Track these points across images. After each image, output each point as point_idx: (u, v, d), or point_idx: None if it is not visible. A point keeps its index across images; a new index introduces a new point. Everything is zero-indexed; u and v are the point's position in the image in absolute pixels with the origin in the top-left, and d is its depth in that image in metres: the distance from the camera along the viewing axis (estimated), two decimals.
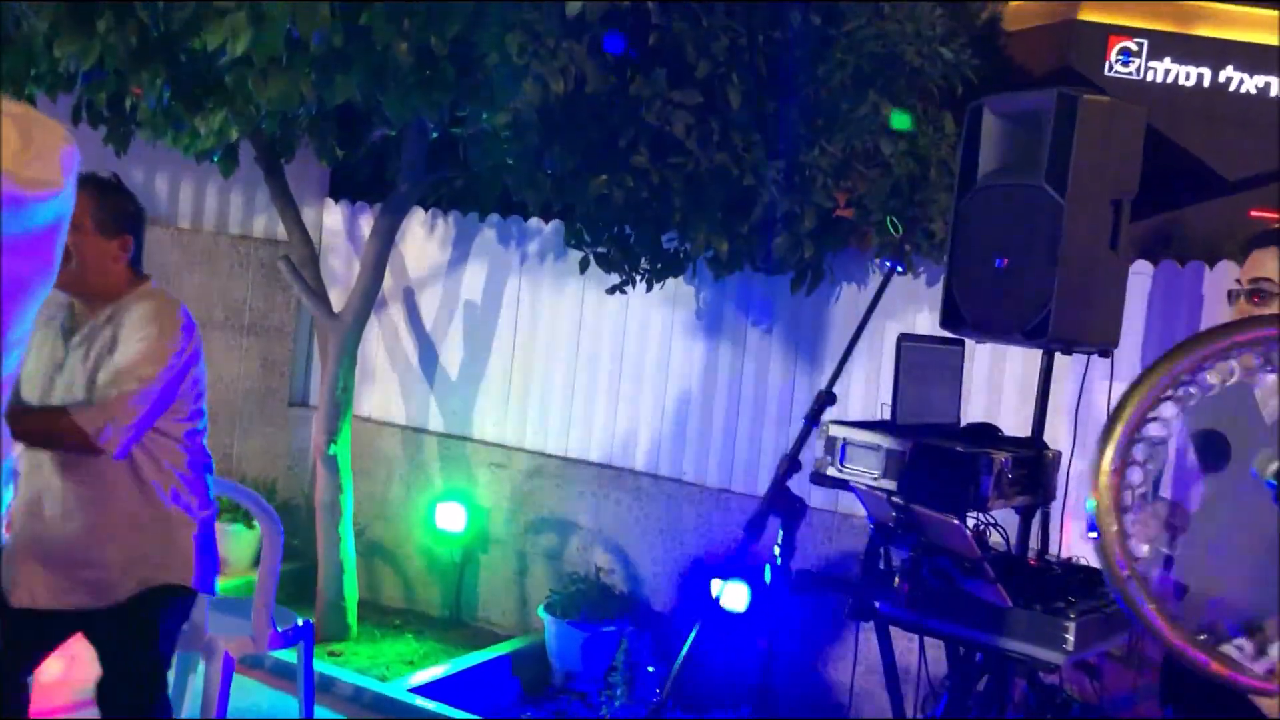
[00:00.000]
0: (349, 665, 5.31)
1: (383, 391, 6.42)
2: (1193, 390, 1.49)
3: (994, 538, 3.26)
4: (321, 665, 4.86)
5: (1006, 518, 3.37)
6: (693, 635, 2.28)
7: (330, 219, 6.59)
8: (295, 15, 3.52)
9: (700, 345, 5.47)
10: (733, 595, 4.95)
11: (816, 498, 4.97)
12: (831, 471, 3.29)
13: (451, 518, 5.93)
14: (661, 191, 4.35)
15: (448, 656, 5.55)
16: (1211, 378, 1.49)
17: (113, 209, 2.75)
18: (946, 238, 4.32)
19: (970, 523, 3.23)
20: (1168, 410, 1.48)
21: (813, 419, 2.21)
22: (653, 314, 5.55)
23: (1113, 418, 1.49)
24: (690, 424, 5.51)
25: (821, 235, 4.64)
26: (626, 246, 4.73)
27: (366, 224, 6.29)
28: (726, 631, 4.70)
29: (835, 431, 3.30)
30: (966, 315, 3.70)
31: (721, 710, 5.01)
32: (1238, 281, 2.39)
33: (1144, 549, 1.43)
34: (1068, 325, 3.48)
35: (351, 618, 5.61)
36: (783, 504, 2.10)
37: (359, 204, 6.49)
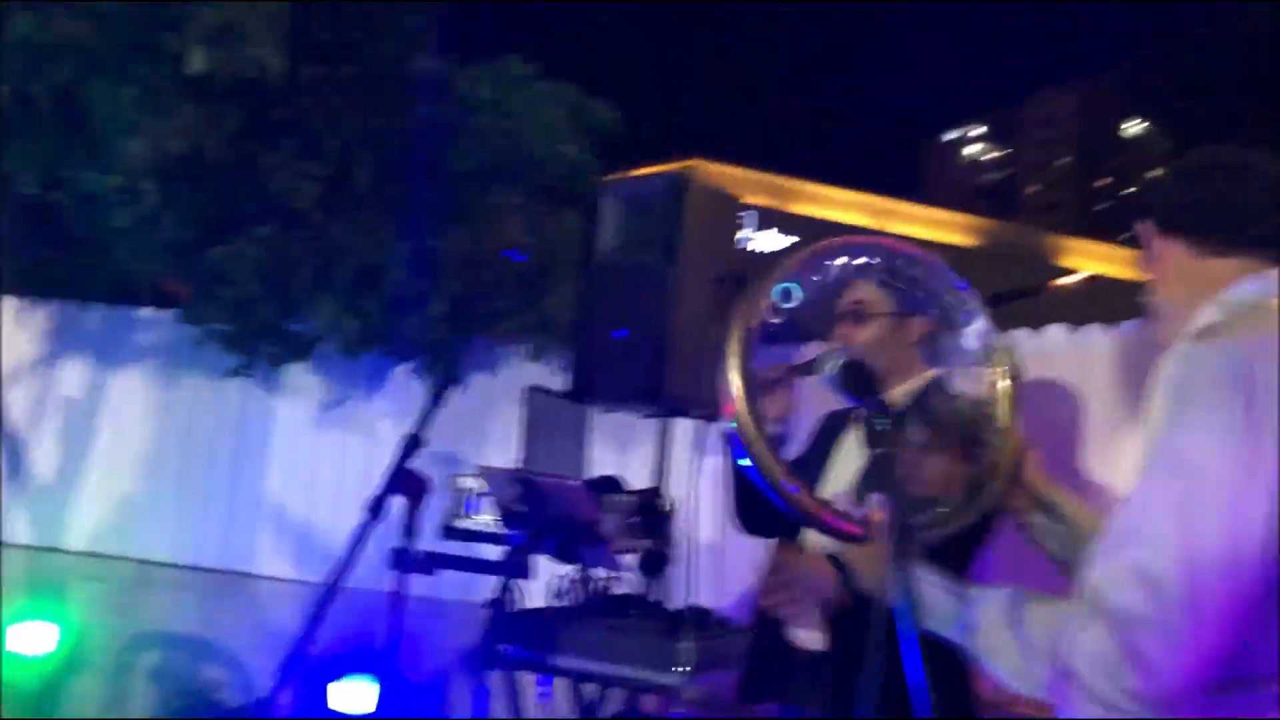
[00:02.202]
0: None
1: None
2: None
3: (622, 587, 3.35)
4: None
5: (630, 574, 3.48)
6: None
7: None
8: None
9: (327, 437, 5.30)
10: (355, 695, 4.69)
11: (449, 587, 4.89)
12: (459, 523, 3.27)
13: (30, 639, 5.26)
14: (288, 264, 4.26)
15: None
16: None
17: None
18: (570, 321, 4.53)
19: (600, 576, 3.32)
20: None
21: (435, 399, 2.21)
22: (278, 404, 5.33)
23: (730, 338, 1.66)
24: (320, 520, 5.28)
25: (452, 320, 4.71)
26: (250, 323, 4.55)
27: None
28: None
29: (466, 483, 3.29)
30: (592, 385, 3.85)
31: None
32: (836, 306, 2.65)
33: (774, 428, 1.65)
34: (679, 391, 3.71)
35: None
36: (405, 483, 2.07)
37: None
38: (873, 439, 1.47)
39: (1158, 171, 1.60)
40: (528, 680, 3.21)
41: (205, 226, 4.16)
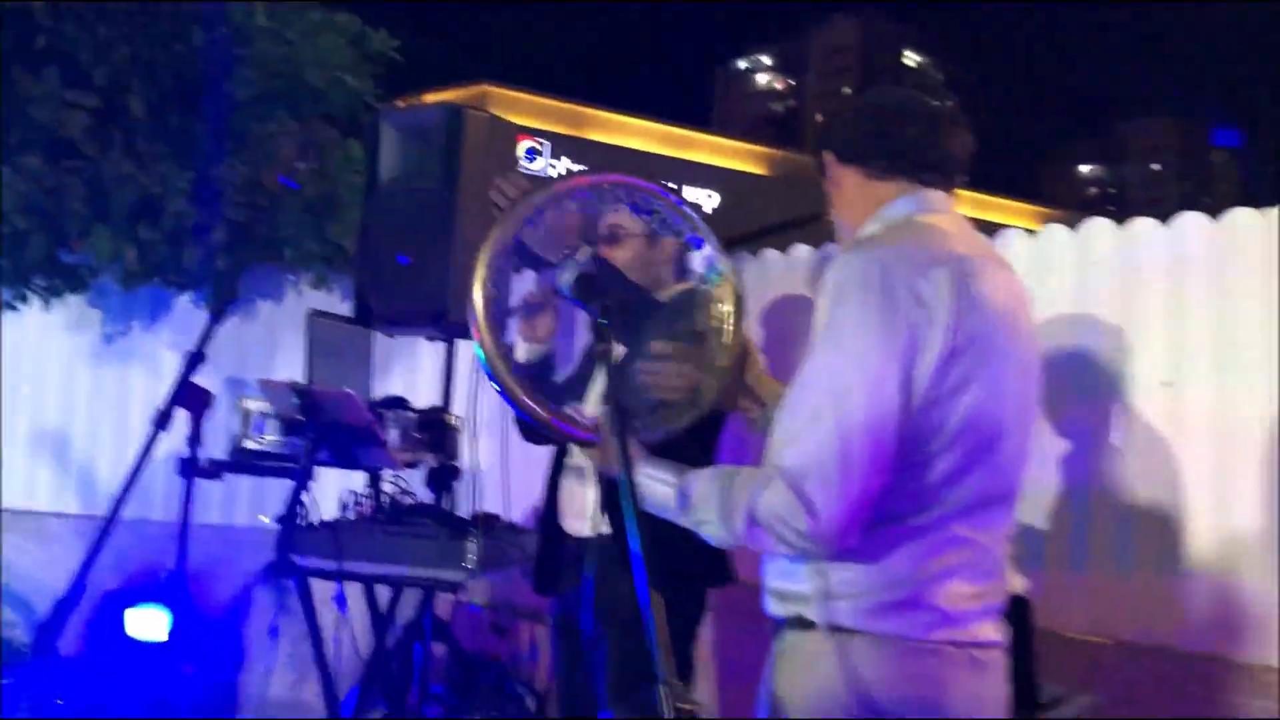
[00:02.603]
0: None
1: None
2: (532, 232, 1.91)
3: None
4: None
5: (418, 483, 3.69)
6: None
7: None
8: None
9: (109, 371, 5.25)
10: (149, 623, 4.75)
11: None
12: (249, 444, 3.39)
13: None
14: (59, 196, 4.20)
15: None
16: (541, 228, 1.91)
17: None
18: (353, 249, 4.63)
19: (385, 487, 3.52)
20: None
21: (215, 316, 2.35)
22: (51, 339, 5.23)
23: (477, 263, 1.86)
24: (102, 455, 5.24)
25: (235, 249, 4.73)
26: (19, 255, 4.46)
27: None
28: (152, 663, 4.50)
29: (250, 405, 3.41)
30: (376, 310, 3.98)
31: None
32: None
33: (522, 349, 1.87)
34: (461, 314, 3.89)
35: None
36: (189, 396, 2.21)
37: None
38: (597, 343, 1.72)
39: (838, 103, 1.89)
40: (323, 588, 3.40)
41: None
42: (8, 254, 4.45)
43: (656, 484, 1.69)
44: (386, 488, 3.59)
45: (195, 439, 2.14)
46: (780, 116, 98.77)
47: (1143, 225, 3.45)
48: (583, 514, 2.72)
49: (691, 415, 1.86)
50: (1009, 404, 1.65)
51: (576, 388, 2.82)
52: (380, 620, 3.56)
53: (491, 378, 1.78)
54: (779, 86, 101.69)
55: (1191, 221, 3.33)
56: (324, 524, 3.34)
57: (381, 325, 4.07)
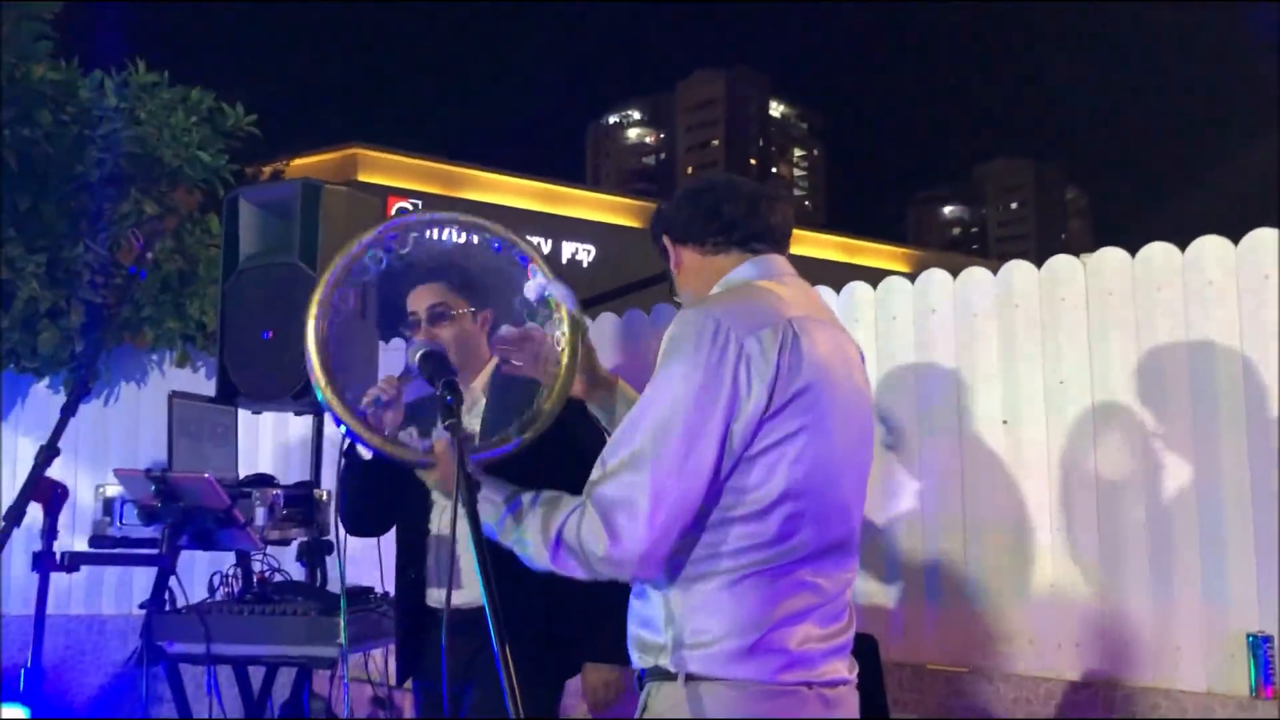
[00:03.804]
0: None
1: None
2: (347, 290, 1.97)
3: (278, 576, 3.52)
4: None
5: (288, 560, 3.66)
6: None
7: None
8: None
9: None
10: None
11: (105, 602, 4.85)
12: (111, 531, 3.33)
13: None
14: None
15: None
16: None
17: None
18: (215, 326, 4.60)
19: (256, 565, 3.49)
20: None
21: (69, 408, 2.34)
22: None
23: (308, 313, 1.91)
24: None
25: (92, 331, 4.64)
26: None
27: None
28: None
29: (111, 492, 3.36)
30: (240, 386, 3.96)
31: None
32: (413, 313, 2.92)
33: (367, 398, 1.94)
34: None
35: None
36: (42, 491, 2.20)
37: None
38: (446, 412, 1.79)
39: (665, 202, 2.02)
40: (192, 673, 3.34)
41: None
42: None
43: (486, 504, 1.76)
44: (256, 566, 3.56)
45: (51, 533, 2.12)
46: (652, 169, 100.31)
47: (976, 273, 3.66)
48: (456, 584, 2.71)
49: (527, 435, 1.92)
50: (838, 454, 1.76)
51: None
52: (252, 704, 3.51)
53: (326, 406, 1.83)
54: (649, 140, 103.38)
55: (1017, 269, 3.56)
56: (191, 607, 3.29)
57: (246, 402, 4.04)
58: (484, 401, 2.72)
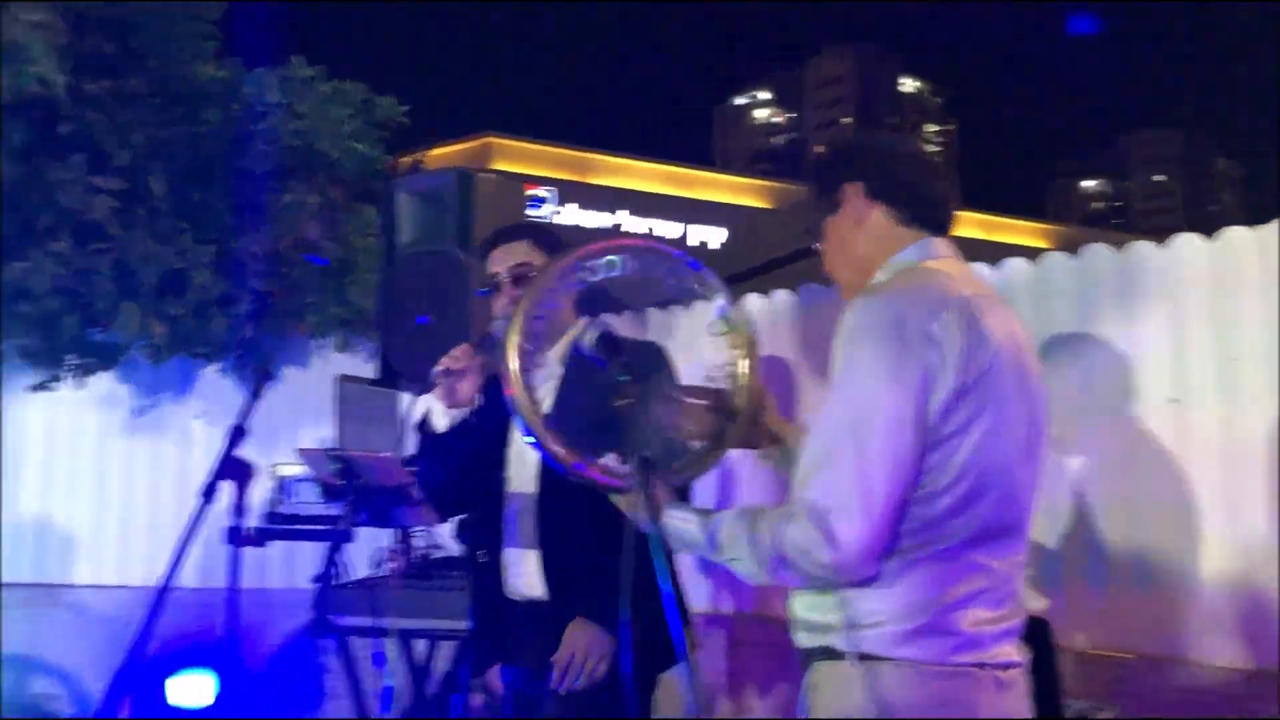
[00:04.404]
0: None
1: None
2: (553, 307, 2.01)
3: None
4: None
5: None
6: None
7: None
8: None
9: (142, 443, 5.37)
10: (193, 690, 4.84)
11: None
12: (283, 509, 3.50)
13: None
14: (88, 276, 4.34)
15: None
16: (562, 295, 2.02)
17: None
18: (374, 312, 4.76)
19: (416, 539, 3.63)
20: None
21: (255, 392, 2.46)
22: (85, 415, 5.36)
23: (508, 328, 1.95)
24: (135, 526, 5.35)
25: (259, 318, 4.86)
26: (52, 336, 4.60)
27: None
28: None
29: (283, 471, 3.53)
30: (399, 371, 4.11)
31: None
32: (493, 275, 2.83)
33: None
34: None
35: None
36: (233, 469, 2.32)
37: None
38: (618, 399, 1.81)
39: (863, 137, 1.94)
40: (360, 645, 3.49)
41: (0, 245, 4.21)
42: (40, 335, 4.59)
43: (685, 525, 1.78)
44: (416, 541, 3.69)
45: (240, 509, 2.23)
46: (780, 149, 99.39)
47: (1141, 247, 3.54)
48: (533, 576, 2.64)
49: (715, 459, 1.95)
50: (1016, 436, 1.73)
51: (483, 452, 2.82)
52: (417, 674, 3.64)
53: (527, 430, 1.86)
54: (777, 119, 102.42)
55: (1188, 242, 3.43)
56: (359, 582, 3.44)
57: (406, 384, 4.19)
58: (560, 373, 2.61)
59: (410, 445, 4.05)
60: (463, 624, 3.28)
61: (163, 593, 2.11)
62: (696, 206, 42.25)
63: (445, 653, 3.80)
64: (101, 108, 4.35)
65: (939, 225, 1.87)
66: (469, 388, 2.71)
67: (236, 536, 2.25)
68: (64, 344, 4.65)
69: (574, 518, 2.44)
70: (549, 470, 2.58)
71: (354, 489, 2.43)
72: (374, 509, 2.46)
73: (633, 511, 1.84)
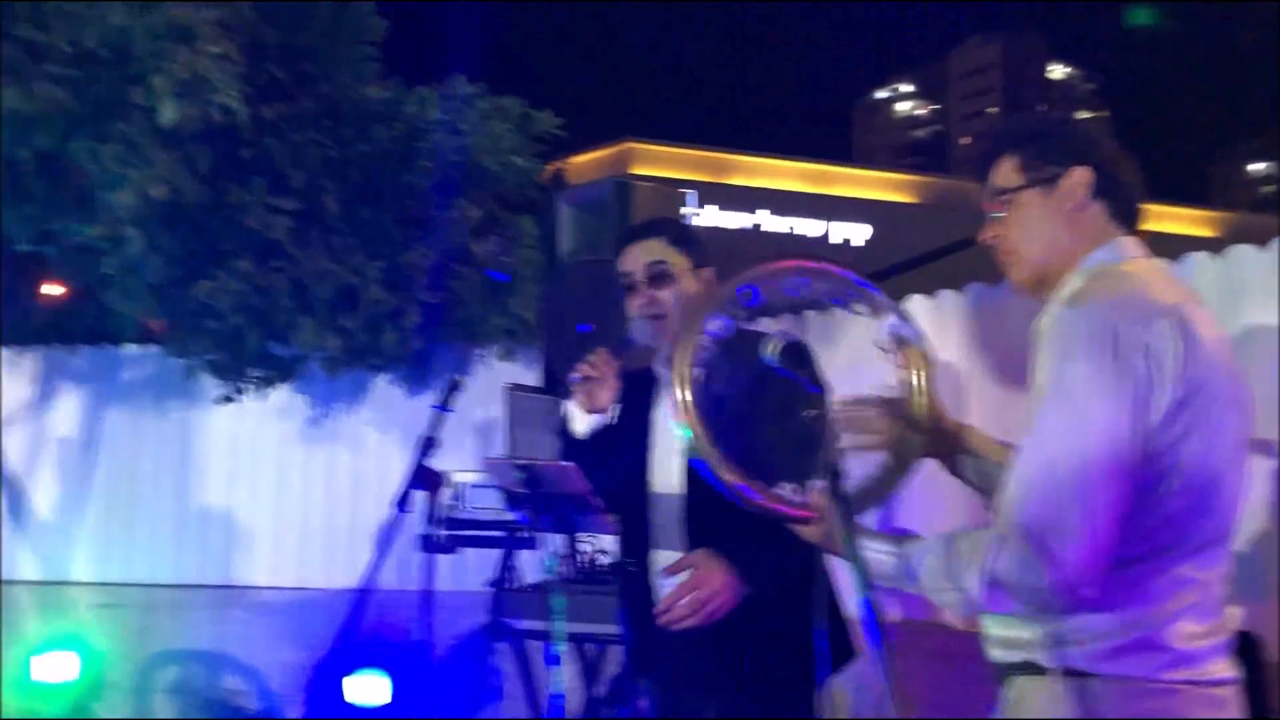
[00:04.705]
0: None
1: None
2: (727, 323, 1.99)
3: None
4: None
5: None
6: None
7: None
8: None
9: (318, 451, 5.60)
10: (369, 688, 5.03)
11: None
12: (459, 515, 3.60)
13: (54, 668, 5.52)
14: (267, 293, 4.55)
15: None
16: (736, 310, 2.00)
17: None
18: (536, 321, 4.86)
19: (583, 545, 3.68)
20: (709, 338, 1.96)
21: (444, 404, 2.53)
22: (266, 425, 5.62)
23: (676, 355, 1.94)
24: (311, 530, 5.58)
25: (426, 329, 5.02)
26: (237, 351, 4.84)
27: None
28: None
29: (460, 478, 3.63)
30: (564, 379, 4.18)
31: None
32: (628, 274, 2.75)
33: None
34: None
35: None
36: (424, 478, 2.40)
37: None
38: (809, 411, 1.77)
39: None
40: (534, 648, 3.56)
41: (187, 265, 4.45)
42: (226, 350, 4.83)
43: (880, 556, 1.72)
44: (583, 548, 3.75)
45: (432, 517, 2.31)
46: (924, 143, 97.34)
47: None
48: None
49: (900, 477, 1.90)
50: (1226, 445, 1.66)
51: (624, 439, 2.80)
52: (589, 678, 3.69)
53: (703, 467, 1.82)
54: (920, 112, 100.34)
55: None
56: (533, 586, 3.51)
57: (569, 393, 4.26)
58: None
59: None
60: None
61: (363, 595, 2.18)
62: (837, 204, 41.68)
63: (615, 657, 3.85)
64: (278, 132, 4.55)
65: (1133, 224, 1.80)
66: (607, 393, 2.74)
67: (429, 543, 2.32)
68: (247, 358, 4.88)
69: (721, 518, 2.39)
70: (694, 471, 2.58)
71: (536, 497, 2.47)
72: (556, 515, 2.50)
73: (820, 542, 1.79)
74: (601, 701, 3.66)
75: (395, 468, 5.46)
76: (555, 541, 3.70)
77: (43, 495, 5.89)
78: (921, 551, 1.72)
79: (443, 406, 2.49)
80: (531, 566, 3.98)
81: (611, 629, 3.47)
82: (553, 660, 3.49)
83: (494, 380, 4.65)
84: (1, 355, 5.91)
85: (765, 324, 2.67)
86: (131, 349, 5.83)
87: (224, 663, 5.57)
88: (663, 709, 2.80)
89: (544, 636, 3.36)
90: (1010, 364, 4.00)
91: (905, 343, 1.96)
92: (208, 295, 4.47)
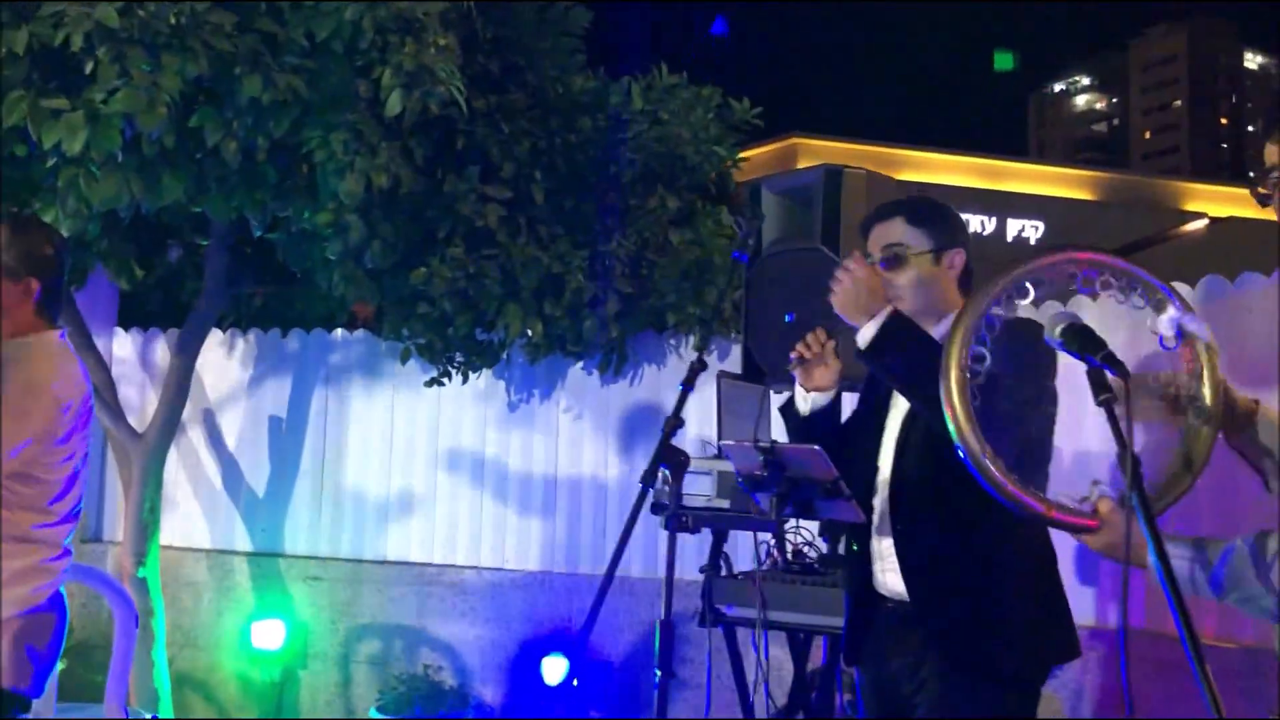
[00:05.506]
0: None
1: (184, 517, 6.30)
2: (999, 312, 1.93)
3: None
4: None
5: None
6: None
7: (120, 348, 6.51)
8: (133, 114, 3.69)
9: (515, 435, 5.74)
10: (555, 671, 5.18)
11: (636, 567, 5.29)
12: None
13: (268, 636, 5.83)
14: (478, 280, 4.68)
15: None
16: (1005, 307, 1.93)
17: (20, 250, 2.76)
18: (732, 315, 4.86)
19: (791, 536, 3.66)
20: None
21: (688, 384, 2.56)
22: (466, 410, 5.79)
23: (949, 342, 1.89)
24: (509, 512, 5.72)
25: (624, 318, 5.07)
26: (446, 335, 4.99)
27: (158, 350, 6.33)
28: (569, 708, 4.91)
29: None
30: (764, 368, 4.16)
31: None
32: (869, 258, 2.67)
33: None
34: (851, 366, 4.01)
35: None
36: (670, 456, 2.43)
37: (151, 330, 6.46)
38: (1100, 393, 1.70)
39: None
40: (744, 635, 3.56)
41: (404, 251, 4.60)
42: (437, 334, 4.98)
43: (1179, 561, 1.63)
44: (792, 538, 3.73)
45: (679, 496, 2.33)
46: (1102, 138, 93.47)
47: None
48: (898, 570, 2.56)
49: (1190, 478, 1.81)
50: None
51: (860, 438, 2.75)
52: (800, 668, 3.68)
53: (970, 466, 1.76)
54: (1099, 106, 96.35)
55: None
56: (745, 574, 3.52)
57: (770, 381, 4.24)
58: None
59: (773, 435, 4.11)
60: (833, 620, 3.29)
61: (608, 579, 2.22)
62: (1011, 199, 40.37)
63: (817, 646, 3.82)
64: (490, 122, 4.67)
65: None
66: (826, 372, 2.79)
67: (675, 523, 2.34)
68: (455, 343, 5.03)
69: (969, 511, 2.31)
70: (905, 451, 2.52)
71: (779, 481, 2.47)
72: (799, 501, 2.50)
73: (1107, 549, 1.70)
74: (810, 690, 3.64)
75: (587, 456, 5.56)
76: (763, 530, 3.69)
77: (255, 473, 6.21)
78: (1229, 558, 1.63)
79: (687, 385, 2.52)
80: (741, 555, 3.98)
81: (820, 620, 3.45)
82: (763, 648, 3.50)
83: (684, 370, 4.66)
84: (230, 338, 6.26)
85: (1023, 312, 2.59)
86: (340, 333, 6.08)
87: (423, 638, 5.76)
88: (873, 701, 2.78)
89: (754, 625, 3.36)
90: (1242, 359, 3.80)
91: (1191, 336, 1.88)
92: (423, 281, 4.62)
